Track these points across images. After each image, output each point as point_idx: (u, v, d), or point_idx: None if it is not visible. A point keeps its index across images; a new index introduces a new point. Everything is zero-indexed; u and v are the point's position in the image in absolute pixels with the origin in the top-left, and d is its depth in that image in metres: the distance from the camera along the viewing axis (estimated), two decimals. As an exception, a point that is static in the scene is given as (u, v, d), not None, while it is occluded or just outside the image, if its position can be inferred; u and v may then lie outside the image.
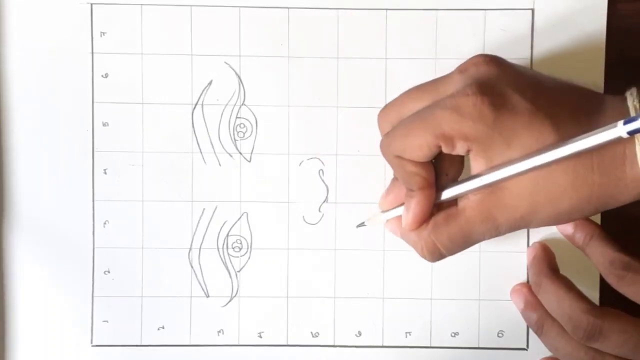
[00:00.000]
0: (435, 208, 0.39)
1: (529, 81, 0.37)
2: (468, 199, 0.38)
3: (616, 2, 0.44)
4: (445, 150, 0.37)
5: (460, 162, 0.39)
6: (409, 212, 0.38)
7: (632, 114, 0.35)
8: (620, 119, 0.34)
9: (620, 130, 0.33)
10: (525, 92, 0.36)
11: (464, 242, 0.38)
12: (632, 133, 0.33)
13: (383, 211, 0.41)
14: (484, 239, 0.38)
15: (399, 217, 0.40)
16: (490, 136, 0.36)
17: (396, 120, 0.39)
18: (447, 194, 0.38)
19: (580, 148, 0.34)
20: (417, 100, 0.38)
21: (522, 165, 0.35)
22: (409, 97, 0.39)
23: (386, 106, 0.40)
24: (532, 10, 0.44)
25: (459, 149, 0.36)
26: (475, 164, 0.37)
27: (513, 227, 0.37)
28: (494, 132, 0.35)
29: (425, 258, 0.39)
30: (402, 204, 0.40)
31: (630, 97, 0.36)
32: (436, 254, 0.39)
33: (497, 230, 0.37)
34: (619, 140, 0.34)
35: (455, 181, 0.39)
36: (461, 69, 0.38)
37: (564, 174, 0.36)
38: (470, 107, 0.35)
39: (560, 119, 0.36)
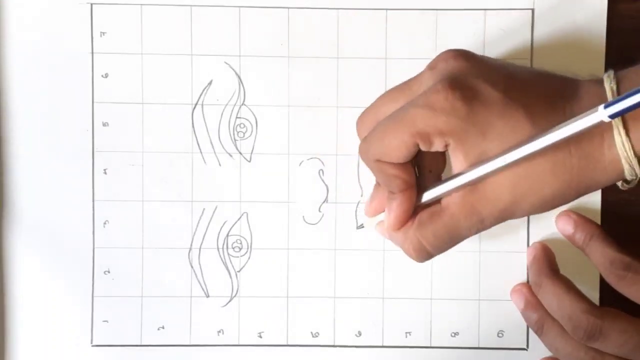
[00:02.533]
0: (420, 207, 0.39)
1: (500, 72, 0.37)
2: (451, 195, 0.38)
3: (616, 2, 0.44)
4: (423, 147, 0.37)
5: (442, 157, 0.40)
6: (390, 213, 0.39)
7: (609, 96, 0.35)
8: (598, 103, 0.34)
9: (601, 114, 0.33)
10: (497, 83, 0.36)
11: (450, 238, 0.38)
12: (614, 117, 0.33)
13: (369, 217, 0.42)
14: (470, 234, 0.38)
15: None
16: (465, 129, 0.36)
17: (373, 125, 0.39)
18: (427, 196, 0.39)
19: (562, 137, 0.34)
20: (392, 102, 0.38)
21: (502, 160, 0.35)
22: (384, 100, 0.39)
23: (363, 112, 0.40)
24: (532, 10, 0.44)
25: (437, 145, 0.37)
26: (454, 158, 0.37)
27: (498, 219, 0.37)
28: (468, 124, 0.36)
29: (412, 257, 0.39)
30: None
31: (607, 80, 0.36)
32: (423, 253, 0.39)
33: (482, 223, 0.37)
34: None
35: (439, 177, 0.40)
36: (431, 66, 0.38)
37: (543, 162, 0.36)
38: (442, 102, 0.36)
39: (533, 107, 0.36)
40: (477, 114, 0.36)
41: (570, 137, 0.35)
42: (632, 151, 0.35)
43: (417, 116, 0.36)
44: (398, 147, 0.37)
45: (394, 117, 0.37)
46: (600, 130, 0.35)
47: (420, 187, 0.39)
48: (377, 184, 0.41)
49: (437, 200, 0.39)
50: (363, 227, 0.44)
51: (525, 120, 0.36)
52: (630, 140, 0.35)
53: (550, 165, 0.36)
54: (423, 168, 0.40)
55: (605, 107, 0.33)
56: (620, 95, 0.33)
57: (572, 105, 0.36)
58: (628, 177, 0.36)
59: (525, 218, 0.45)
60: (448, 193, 0.38)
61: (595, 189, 0.37)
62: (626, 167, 0.36)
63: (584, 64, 0.44)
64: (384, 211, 0.40)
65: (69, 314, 0.46)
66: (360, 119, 0.40)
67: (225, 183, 0.46)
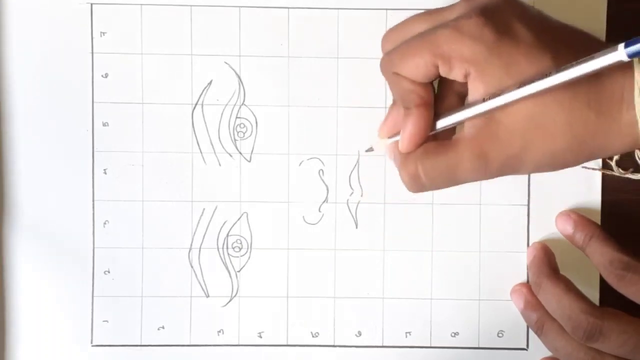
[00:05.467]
0: (430, 139, 0.38)
1: (534, 16, 0.37)
2: (463, 132, 0.37)
3: (616, 2, 0.44)
4: (442, 72, 0.37)
5: (460, 99, 0.39)
6: (405, 131, 0.38)
7: (636, 62, 0.35)
8: (623, 70, 0.34)
9: (620, 54, 0.33)
10: (530, 24, 0.36)
11: (448, 176, 0.37)
12: (632, 56, 0.32)
13: (381, 138, 0.41)
14: (470, 179, 0.37)
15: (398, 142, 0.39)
16: (489, 60, 0.35)
17: (398, 41, 0.38)
18: (442, 123, 0.38)
19: (579, 73, 0.34)
20: (421, 23, 0.38)
21: (520, 92, 0.35)
22: (412, 21, 0.39)
23: (389, 29, 0.40)
24: (532, 10, 0.44)
25: (457, 72, 0.36)
26: (473, 89, 0.36)
27: (504, 165, 0.37)
28: (493, 55, 0.35)
29: (406, 185, 0.39)
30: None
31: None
32: (417, 183, 0.38)
33: (487, 168, 0.37)
34: (616, 81, 0.34)
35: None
36: None
37: (560, 110, 0.35)
38: (471, 27, 0.35)
39: (560, 54, 0.35)
40: (504, 47, 0.35)
41: (588, 88, 0.34)
42: None
43: (443, 37, 0.36)
44: (417, 65, 0.37)
45: (421, 35, 0.37)
46: (621, 90, 0.35)
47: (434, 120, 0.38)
48: (393, 104, 0.40)
49: (448, 137, 0.38)
50: (372, 150, 0.42)
51: (550, 65, 0.35)
52: None
53: (567, 114, 0.35)
54: (439, 110, 0.39)
55: (626, 46, 0.32)
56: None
57: None
58: None
59: (526, 217, 0.45)
60: (462, 121, 0.37)
61: (607, 154, 0.37)
62: None
63: (584, 64, 0.44)
64: (397, 132, 0.39)
65: (69, 314, 0.46)
66: (386, 35, 0.40)
67: (225, 183, 0.46)
